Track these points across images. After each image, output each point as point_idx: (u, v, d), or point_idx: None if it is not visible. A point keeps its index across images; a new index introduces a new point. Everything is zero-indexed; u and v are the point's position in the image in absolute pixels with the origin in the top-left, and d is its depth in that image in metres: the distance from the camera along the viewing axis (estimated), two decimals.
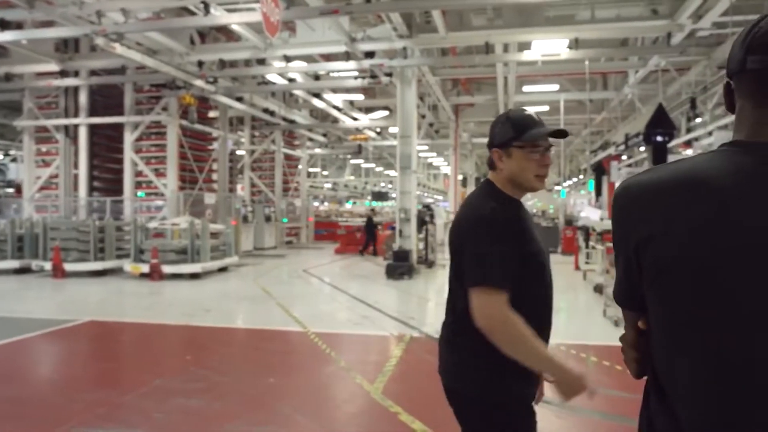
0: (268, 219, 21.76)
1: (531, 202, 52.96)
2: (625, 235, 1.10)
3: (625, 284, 1.15)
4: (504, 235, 1.79)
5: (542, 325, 1.92)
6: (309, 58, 14.96)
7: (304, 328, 7.49)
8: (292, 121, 21.89)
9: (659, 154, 12.45)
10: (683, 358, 1.03)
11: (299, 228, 25.21)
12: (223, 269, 13.90)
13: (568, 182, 31.69)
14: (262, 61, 14.09)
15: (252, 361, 6.28)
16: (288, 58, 13.36)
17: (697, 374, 1.02)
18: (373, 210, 25.10)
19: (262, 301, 9.86)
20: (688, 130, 15.80)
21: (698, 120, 14.83)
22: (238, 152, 23.62)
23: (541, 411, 4.47)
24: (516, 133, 1.90)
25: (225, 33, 15.03)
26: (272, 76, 15.40)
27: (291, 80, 16.00)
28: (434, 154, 33.77)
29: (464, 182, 33.38)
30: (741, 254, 0.97)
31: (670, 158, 14.83)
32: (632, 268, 1.10)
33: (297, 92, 18.47)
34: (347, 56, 13.19)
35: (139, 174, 16.21)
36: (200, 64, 13.99)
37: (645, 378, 1.21)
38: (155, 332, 7.62)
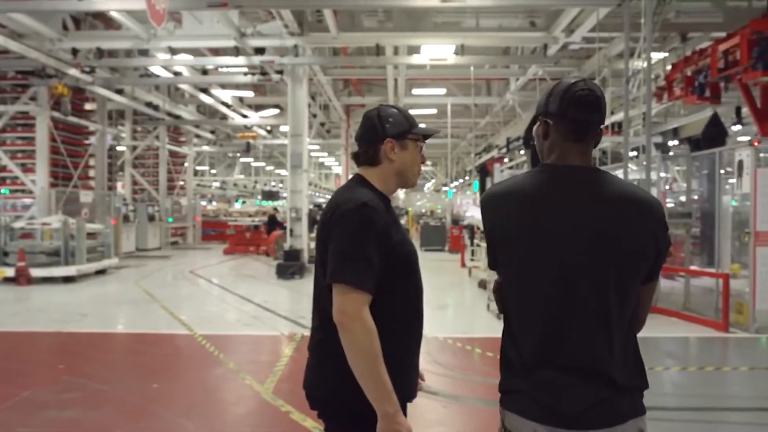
0: (151, 218, 20.70)
1: (420, 202, 54.52)
2: (485, 223, 1.65)
3: (490, 255, 1.68)
4: (372, 232, 1.71)
5: (417, 317, 1.89)
6: (196, 52, 14.42)
7: (191, 331, 7.23)
8: (177, 117, 20.97)
9: (537, 156, 13.25)
10: (509, 303, 1.62)
11: (186, 228, 24.22)
12: (101, 272, 13.04)
13: (455, 183, 32.94)
14: (144, 52, 13.40)
15: (134, 366, 5.97)
16: (173, 51, 12.79)
17: (514, 315, 1.61)
18: (275, 209, 24.67)
19: (144, 304, 9.37)
20: None
21: None
22: (119, 148, 22.26)
23: (427, 401, 4.66)
24: (410, 125, 1.89)
25: (103, 20, 14.09)
26: (156, 69, 14.65)
27: (176, 74, 15.31)
28: (326, 153, 33.77)
29: None
30: (533, 235, 1.53)
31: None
32: (490, 245, 1.64)
33: (183, 86, 17.75)
34: (236, 51, 12.86)
35: (2, 169, 14.80)
36: (75, 51, 13.02)
37: None
38: (22, 341, 7.02)
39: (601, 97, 1.58)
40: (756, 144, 7.88)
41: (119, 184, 22.62)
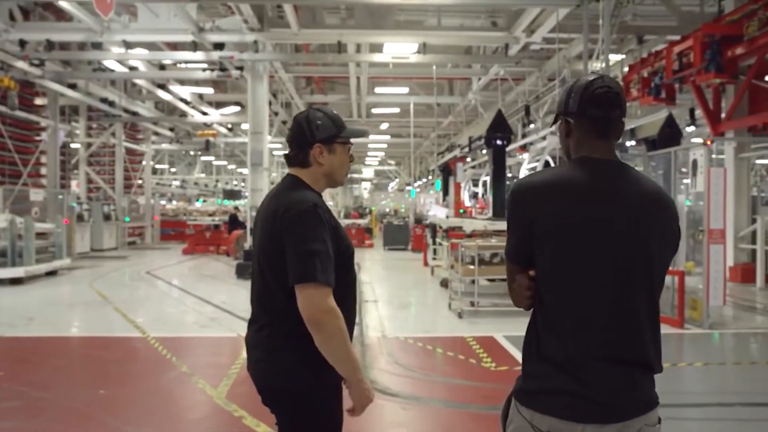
0: (107, 218, 20.07)
1: (384, 202, 54.55)
2: (521, 216, 1.61)
3: (521, 249, 1.63)
4: (326, 230, 1.84)
5: (354, 304, 2.04)
6: (152, 46, 14.04)
7: (144, 334, 6.97)
8: (134, 113, 20.38)
9: (498, 156, 13.35)
10: (550, 294, 1.57)
11: (144, 227, 23.60)
12: (52, 273, 12.55)
13: (418, 183, 33.00)
14: (98, 46, 12.94)
15: (82, 372, 5.70)
16: (128, 44, 12.41)
17: (558, 309, 1.57)
18: (236, 208, 24.24)
19: (97, 307, 9.02)
20: (523, 135, 17.16)
21: (532, 126, 16.16)
22: (73, 145, 21.51)
23: (387, 403, 4.57)
24: (338, 129, 1.98)
25: (54, 11, 13.57)
26: (111, 63, 14.20)
27: (132, 68, 14.89)
28: None
29: None
30: (582, 227, 1.53)
31: (508, 161, 16.01)
32: (526, 238, 1.59)
33: (140, 82, 17.26)
34: (195, 47, 12.55)
35: None
36: (23, 43, 12.50)
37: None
38: None
39: (620, 93, 1.61)
40: (709, 144, 8.06)
41: (74, 183, 21.85)
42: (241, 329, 7.19)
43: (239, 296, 10.12)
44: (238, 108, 21.73)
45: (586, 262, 1.53)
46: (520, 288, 1.65)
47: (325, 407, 1.90)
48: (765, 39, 8.65)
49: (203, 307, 8.92)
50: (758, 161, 18.69)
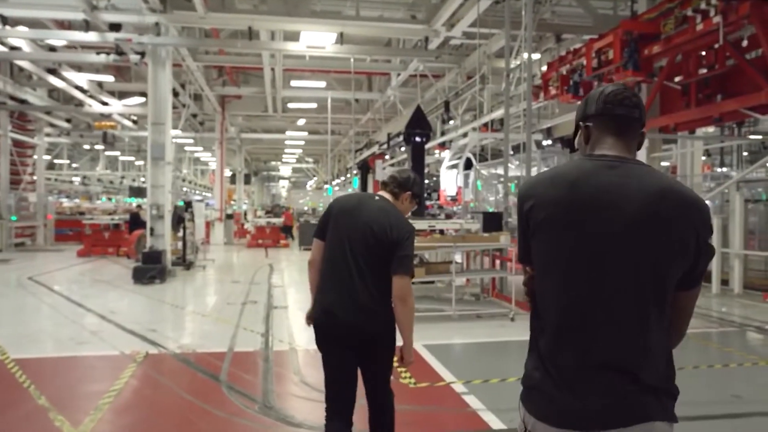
0: None
1: (303, 200, 53.46)
2: (520, 211, 1.62)
3: (523, 246, 1.64)
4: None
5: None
6: (37, 23, 12.54)
7: (3, 355, 5.87)
8: (23, 101, 18.41)
9: (417, 153, 12.93)
10: (538, 290, 1.58)
11: (35, 227, 21.48)
12: None
13: (337, 181, 32.36)
14: None
15: None
16: (4, 20, 10.93)
17: (544, 306, 1.56)
18: (139, 206, 22.49)
19: None
20: (443, 133, 16.90)
21: (452, 122, 15.91)
22: None
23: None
24: (421, 192, 3.25)
25: None
26: None
27: (14, 48, 13.26)
28: (201, 148, 31.75)
29: (233, 179, 31.99)
30: (565, 221, 1.52)
31: (427, 159, 15.66)
32: (525, 231, 1.61)
33: (28, 67, 15.49)
34: (87, 26, 11.27)
35: None
36: None
37: None
38: None
39: (638, 96, 1.61)
40: None
41: None
42: (126, 345, 6.26)
43: (133, 305, 9.06)
44: (143, 99, 20.17)
45: (566, 256, 1.51)
46: (525, 287, 1.67)
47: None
48: (681, 38, 8.64)
49: (85, 319, 7.82)
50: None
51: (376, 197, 2.99)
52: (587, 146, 1.62)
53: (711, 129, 11.87)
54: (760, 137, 15.35)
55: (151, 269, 11.48)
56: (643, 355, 1.42)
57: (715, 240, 10.15)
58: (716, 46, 8.99)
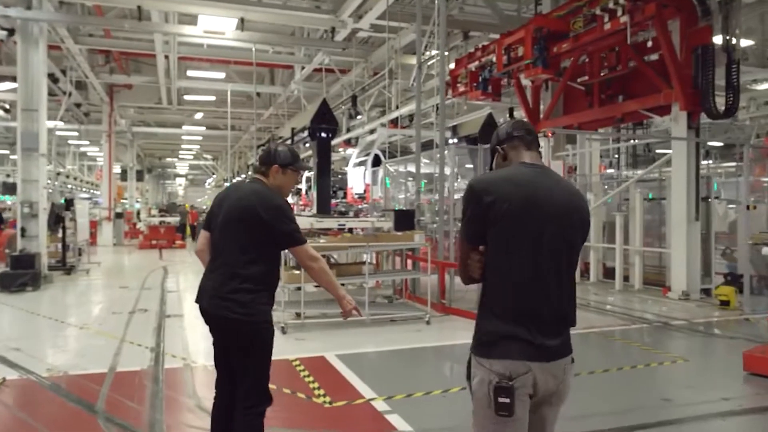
0: None
1: (201, 198, 51.16)
2: (478, 202, 2.01)
3: (478, 231, 2.03)
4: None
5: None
6: None
7: None
8: None
9: (323, 149, 12.40)
10: (500, 265, 2.01)
11: None
12: None
13: (237, 178, 31.04)
14: None
15: None
16: None
17: (505, 276, 2.00)
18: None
19: None
20: (348, 130, 16.43)
21: (359, 118, 15.48)
22: None
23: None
24: (293, 159, 3.06)
25: None
26: None
27: None
28: (87, 142, 29.24)
29: (124, 175, 29.71)
30: (524, 210, 1.98)
31: (333, 156, 15.14)
32: (481, 221, 2.01)
33: None
34: None
35: None
36: None
37: None
38: None
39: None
40: (549, 136, 7.84)
41: None
42: None
43: None
44: (17, 84, 18.08)
45: (527, 238, 1.96)
46: (474, 262, 2.05)
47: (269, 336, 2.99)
48: (589, 36, 8.71)
49: None
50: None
51: (248, 181, 3.12)
52: (505, 162, 2.14)
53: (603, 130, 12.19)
54: (653, 140, 16.14)
55: (21, 275, 10.11)
56: (573, 305, 2.05)
57: (616, 237, 10.42)
58: (616, 49, 9.19)
